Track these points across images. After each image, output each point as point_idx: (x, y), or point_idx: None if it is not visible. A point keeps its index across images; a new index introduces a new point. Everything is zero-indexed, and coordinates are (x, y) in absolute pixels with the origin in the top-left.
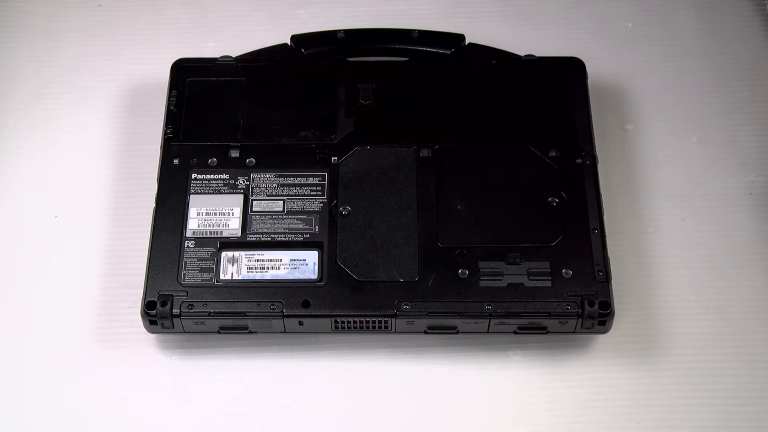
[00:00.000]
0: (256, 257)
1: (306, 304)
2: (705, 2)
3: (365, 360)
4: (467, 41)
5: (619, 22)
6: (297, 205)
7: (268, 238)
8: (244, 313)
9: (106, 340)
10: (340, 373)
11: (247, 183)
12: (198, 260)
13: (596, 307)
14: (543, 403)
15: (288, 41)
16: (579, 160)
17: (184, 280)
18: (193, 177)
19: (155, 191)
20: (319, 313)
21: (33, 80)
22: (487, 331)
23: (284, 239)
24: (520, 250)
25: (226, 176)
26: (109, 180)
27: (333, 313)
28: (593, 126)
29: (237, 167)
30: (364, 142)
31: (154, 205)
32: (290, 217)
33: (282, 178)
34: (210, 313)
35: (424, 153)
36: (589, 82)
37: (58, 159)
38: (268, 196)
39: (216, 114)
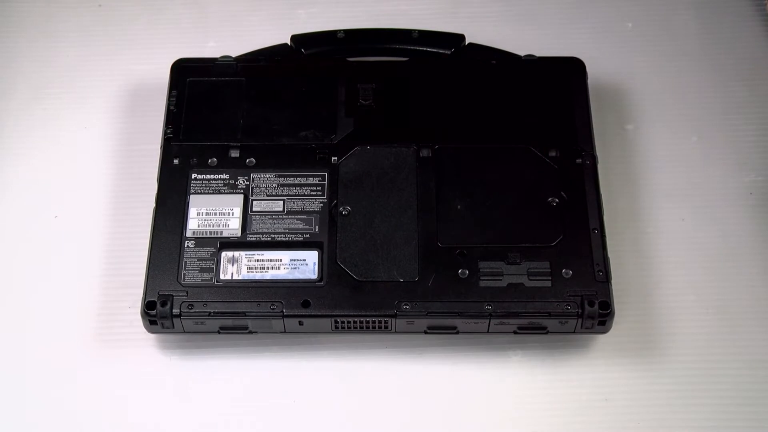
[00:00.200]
0: (256, 257)
1: (306, 304)
2: (704, 2)
3: (365, 360)
4: (467, 41)
5: (619, 22)
6: (297, 205)
7: (268, 238)
8: (244, 313)
9: (106, 340)
10: (340, 373)
11: (247, 183)
12: (198, 260)
13: (596, 307)
14: (543, 403)
15: (288, 41)
16: (579, 160)
17: (184, 280)
18: (193, 177)
19: (155, 191)
20: (319, 313)
21: (33, 80)
22: (487, 331)
23: (284, 239)
24: (520, 250)
25: (226, 176)
26: (109, 180)
27: (333, 313)
28: (593, 126)
29: (237, 167)
30: (364, 142)
31: (154, 205)
32: (290, 217)
33: (282, 178)
34: (210, 313)
35: (424, 153)
36: (589, 82)
37: (58, 159)
38: (268, 196)
39: (216, 114)
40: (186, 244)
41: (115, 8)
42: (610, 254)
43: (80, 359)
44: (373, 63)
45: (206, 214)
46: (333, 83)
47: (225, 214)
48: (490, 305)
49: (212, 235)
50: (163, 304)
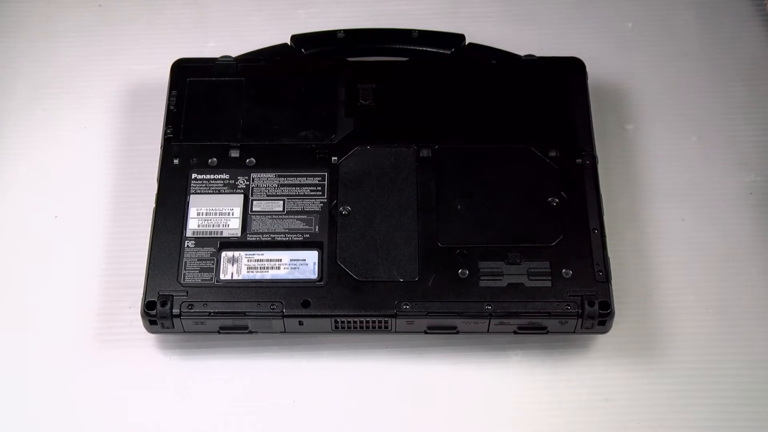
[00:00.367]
0: (256, 257)
1: (306, 304)
2: (704, 2)
3: (365, 360)
4: (467, 41)
5: (619, 22)
6: (297, 205)
7: (268, 238)
8: (244, 313)
9: (106, 340)
10: (340, 373)
11: (247, 183)
12: (198, 260)
13: (596, 307)
14: (543, 403)
15: (288, 41)
16: (579, 160)
17: (184, 280)
18: (193, 177)
19: (155, 191)
20: (319, 313)
21: (33, 80)
22: (487, 331)
23: (284, 239)
24: (520, 250)
25: (226, 176)
26: (109, 180)
27: (333, 313)
28: (593, 126)
29: (237, 167)
30: (364, 142)
31: (154, 205)
32: (290, 217)
33: (282, 178)
34: (210, 313)
35: (424, 153)
36: (589, 82)
37: (58, 159)
38: (268, 196)
39: (216, 114)
40: (186, 244)
41: (115, 8)
42: (610, 254)
43: (80, 359)
44: (373, 63)
45: (206, 214)
46: (333, 83)
47: (225, 214)
48: (490, 305)
49: (212, 235)
50: (163, 304)
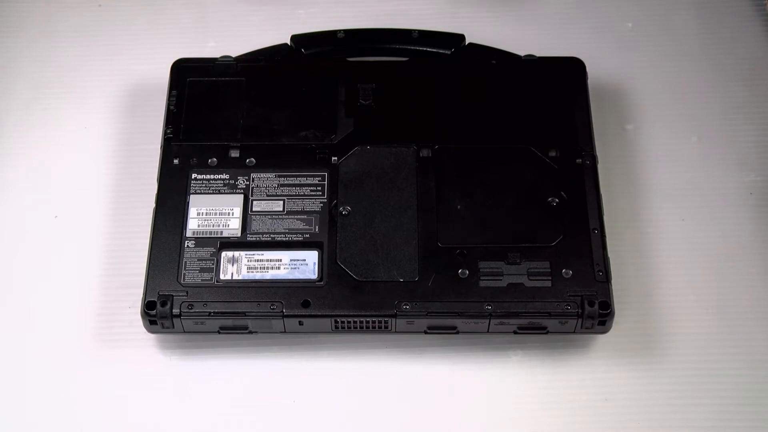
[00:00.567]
0: (256, 257)
1: (306, 304)
2: (704, 2)
3: (365, 360)
4: (467, 41)
5: (619, 22)
6: (297, 205)
7: (268, 238)
8: (244, 313)
9: (106, 340)
10: (340, 373)
11: (247, 183)
12: (198, 260)
13: (596, 307)
14: (543, 403)
15: (288, 41)
16: (579, 160)
17: (184, 280)
18: (193, 177)
19: (155, 191)
20: (319, 313)
21: (33, 80)
22: (487, 331)
23: (284, 239)
24: (520, 250)
25: (226, 176)
26: (109, 180)
27: (333, 313)
28: (593, 126)
29: (237, 167)
30: (364, 142)
31: (154, 205)
32: (290, 217)
33: (282, 178)
34: (210, 313)
35: (424, 153)
36: (589, 82)
37: (58, 159)
38: (268, 196)
39: (216, 114)
40: (186, 244)
41: (115, 8)
42: (610, 254)
43: (80, 359)
44: (373, 63)
45: (206, 214)
46: (333, 83)
47: (225, 214)
48: (490, 305)
49: (212, 235)
50: (163, 304)
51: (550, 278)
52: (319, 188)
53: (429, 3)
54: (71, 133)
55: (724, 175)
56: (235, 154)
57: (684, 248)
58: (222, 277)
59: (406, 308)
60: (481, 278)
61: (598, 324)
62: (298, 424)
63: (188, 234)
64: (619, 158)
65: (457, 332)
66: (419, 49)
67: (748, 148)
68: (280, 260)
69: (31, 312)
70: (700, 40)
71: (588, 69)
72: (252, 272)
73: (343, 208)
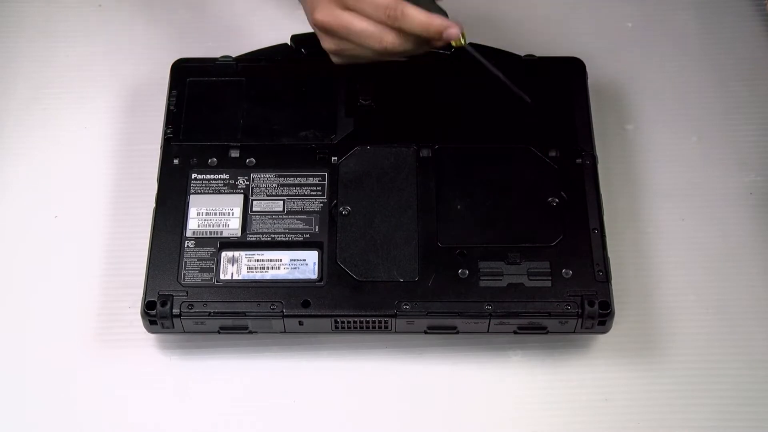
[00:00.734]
0: (256, 257)
1: (306, 304)
2: (704, 2)
3: (365, 360)
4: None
5: (619, 22)
6: (297, 205)
7: (268, 238)
8: (244, 313)
9: (106, 340)
10: (340, 373)
11: (247, 183)
12: (198, 260)
13: (596, 307)
14: (543, 403)
15: (288, 41)
16: (579, 160)
17: (184, 280)
18: (193, 177)
19: (155, 191)
20: (319, 313)
21: (33, 80)
22: (487, 331)
23: (284, 239)
24: (520, 250)
25: (226, 176)
26: (109, 180)
27: (333, 313)
28: (593, 126)
29: (237, 167)
30: (364, 142)
31: (154, 205)
32: (290, 217)
33: (282, 178)
34: (210, 313)
35: (424, 153)
36: (589, 82)
37: (58, 159)
38: (268, 196)
39: (216, 114)
40: (186, 244)
41: (115, 8)
42: (610, 254)
43: (80, 359)
44: (373, 63)
45: (206, 214)
46: (333, 83)
47: (225, 214)
48: (490, 305)
49: (212, 235)
50: (163, 304)
51: (550, 278)
52: (319, 188)
53: None
54: (71, 133)
55: (724, 175)
56: (235, 154)
57: (684, 248)
58: (222, 277)
59: (406, 308)
60: (481, 278)
61: (598, 324)
62: (298, 424)
63: (188, 234)
64: (619, 158)
65: (457, 332)
66: None
67: (748, 148)
68: (280, 260)
69: (31, 312)
70: (700, 40)
71: (588, 69)
72: (252, 272)
73: (343, 208)
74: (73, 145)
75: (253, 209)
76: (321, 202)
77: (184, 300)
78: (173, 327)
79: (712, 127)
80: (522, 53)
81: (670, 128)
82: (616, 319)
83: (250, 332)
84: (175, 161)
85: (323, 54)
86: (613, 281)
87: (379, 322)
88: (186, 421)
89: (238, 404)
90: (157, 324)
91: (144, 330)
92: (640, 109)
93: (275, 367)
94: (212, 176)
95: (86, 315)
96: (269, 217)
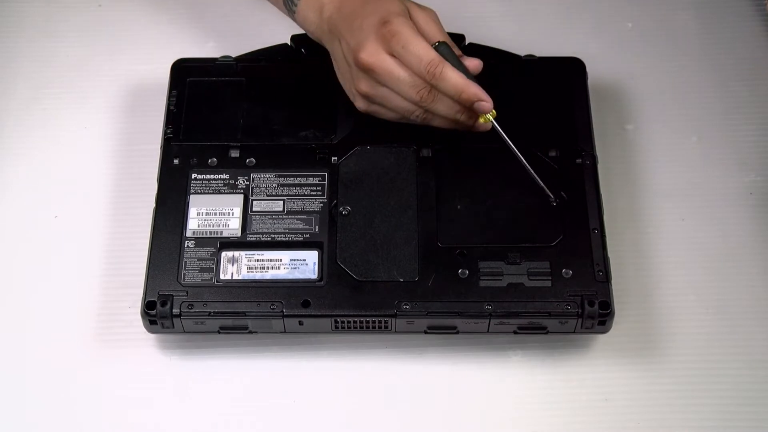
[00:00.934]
0: (256, 257)
1: (306, 304)
2: (704, 2)
3: (365, 360)
4: (467, 41)
5: (619, 22)
6: (297, 205)
7: (268, 238)
8: (244, 313)
9: (106, 340)
10: (340, 373)
11: (247, 183)
12: (198, 260)
13: (596, 306)
14: (543, 403)
15: (288, 41)
16: (579, 160)
17: (184, 280)
18: (193, 177)
19: (155, 191)
20: (319, 313)
21: (33, 80)
22: (487, 331)
23: (284, 239)
24: (520, 250)
25: (226, 176)
26: (109, 180)
27: (333, 313)
28: (593, 126)
29: (237, 167)
30: (364, 142)
31: (154, 205)
32: (290, 217)
33: (282, 178)
34: (210, 312)
35: (424, 153)
36: (589, 82)
37: (58, 159)
38: (268, 196)
39: (216, 114)
40: (186, 244)
41: (115, 8)
42: (610, 254)
43: (80, 359)
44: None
45: (206, 214)
46: (333, 83)
47: (225, 214)
48: (490, 305)
49: (212, 235)
50: (163, 304)
51: (550, 278)
52: (319, 188)
53: (429, 3)
54: (71, 133)
55: (724, 175)
56: (235, 154)
57: (684, 248)
58: (222, 277)
59: (406, 308)
60: (481, 278)
61: (598, 324)
62: (298, 424)
63: (188, 234)
64: (619, 158)
65: (457, 332)
66: None
67: (748, 148)
68: (280, 260)
69: (31, 312)
70: (700, 40)
71: (588, 69)
72: (252, 272)
73: (343, 208)
74: (73, 145)
75: (253, 209)
76: (321, 202)
77: (184, 300)
78: (173, 327)
79: (712, 127)
80: (522, 53)
81: (670, 128)
82: (616, 319)
83: (250, 332)
84: (175, 161)
85: (323, 54)
86: (613, 281)
87: (379, 322)
88: (186, 421)
89: (238, 404)
90: (157, 324)
91: (144, 330)
92: (640, 109)
93: (275, 367)
94: (212, 176)
95: (86, 315)
96: (269, 217)
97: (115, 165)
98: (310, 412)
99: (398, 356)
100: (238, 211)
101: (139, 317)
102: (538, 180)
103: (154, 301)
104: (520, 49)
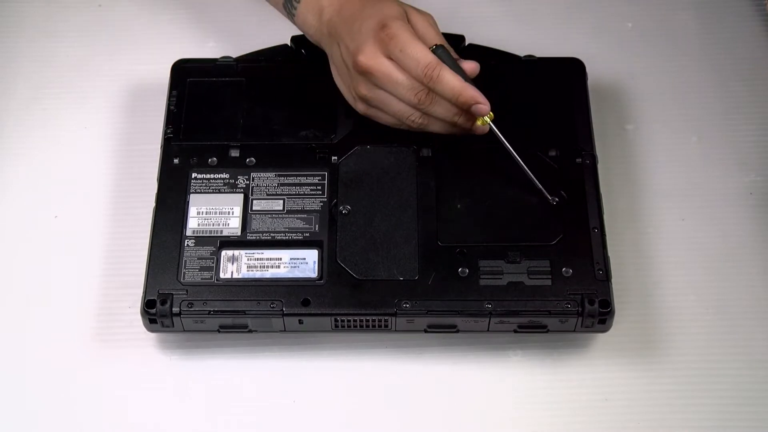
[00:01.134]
0: (256, 256)
1: (306, 303)
2: (704, 2)
3: (365, 360)
4: (467, 42)
5: (619, 22)
6: (297, 205)
7: (268, 237)
8: (244, 312)
9: (106, 340)
10: (340, 373)
11: (247, 182)
12: (198, 259)
13: (596, 305)
14: (543, 403)
15: (288, 41)
16: (579, 160)
17: (184, 279)
18: (193, 176)
19: (155, 191)
20: (319, 312)
21: (33, 80)
22: (487, 330)
23: (284, 238)
24: (520, 249)
25: (226, 175)
26: (109, 180)
27: (333, 312)
28: (593, 126)
29: (237, 167)
30: (364, 142)
31: (154, 204)
32: (290, 216)
33: (282, 178)
34: (210, 311)
35: (424, 153)
36: (589, 82)
37: (58, 159)
38: (268, 195)
39: (216, 114)
40: (186, 243)
41: (115, 8)
42: (610, 254)
43: (80, 359)
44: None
45: (206, 213)
46: (333, 83)
47: (225, 213)
48: (490, 304)
49: (212, 234)
50: (163, 303)
51: (550, 277)
52: (319, 187)
53: (429, 3)
54: (71, 133)
55: (724, 175)
56: (235, 153)
57: (684, 248)
58: (222, 275)
59: (406, 307)
60: (481, 277)
61: (599, 323)
62: (298, 424)
63: (188, 233)
64: (619, 158)
65: (457, 331)
66: None
67: (748, 148)
68: (280, 259)
69: (31, 312)
70: (700, 40)
71: (588, 69)
72: (252, 271)
73: (343, 207)
74: (73, 145)
75: (253, 208)
76: (321, 202)
77: (184, 299)
78: (173, 326)
79: (712, 127)
80: (522, 53)
81: (670, 128)
82: (616, 318)
83: (250, 331)
84: (175, 161)
85: (323, 55)
86: (613, 281)
87: (379, 320)
88: (186, 421)
89: (238, 404)
90: (156, 323)
91: (144, 330)
92: (640, 109)
93: (275, 367)
94: (212, 176)
95: (86, 315)
96: (269, 216)
97: (115, 165)
98: (310, 412)
99: (398, 356)
100: (238, 211)
101: (139, 317)
102: (536, 181)
103: (153, 300)
104: (520, 49)
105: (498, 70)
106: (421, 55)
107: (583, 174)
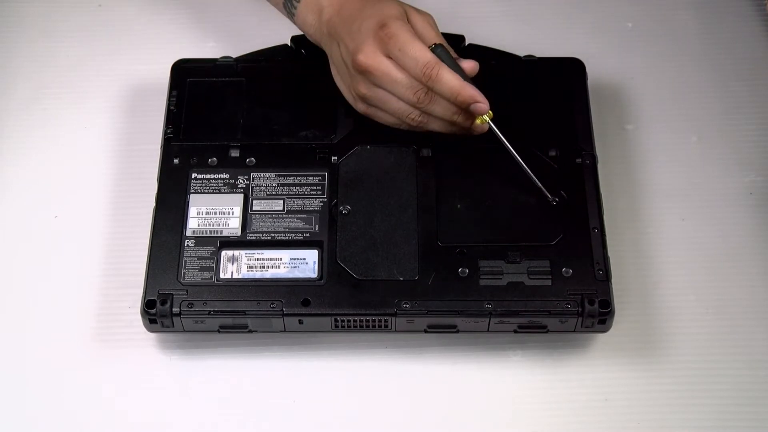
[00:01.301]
0: (256, 256)
1: (306, 303)
2: (705, 2)
3: (365, 360)
4: (467, 42)
5: (619, 22)
6: (297, 205)
7: (268, 237)
8: (244, 312)
9: (106, 340)
10: (340, 373)
11: (247, 182)
12: (198, 259)
13: (596, 305)
14: (543, 403)
15: (288, 41)
16: (579, 160)
17: (184, 279)
18: (193, 176)
19: (155, 191)
20: (319, 312)
21: (33, 80)
22: (487, 330)
23: (284, 238)
24: (520, 249)
25: (226, 176)
26: (109, 180)
27: (333, 312)
28: (593, 126)
29: (237, 167)
30: (364, 142)
31: (154, 205)
32: (290, 216)
33: (282, 178)
34: (210, 311)
35: (424, 152)
36: (589, 82)
37: (58, 159)
38: (268, 195)
39: (216, 114)
40: (186, 243)
41: (115, 8)
42: (610, 254)
43: (80, 359)
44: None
45: (206, 213)
46: (333, 83)
47: (225, 213)
48: (490, 304)
49: (212, 234)
50: (163, 303)
51: (550, 277)
52: (319, 187)
53: (429, 3)
54: (71, 133)
55: (724, 175)
56: (235, 153)
57: (684, 248)
58: (222, 275)
59: (406, 307)
60: (481, 277)
61: (599, 323)
62: (298, 424)
63: (188, 233)
64: (619, 158)
65: (457, 331)
66: None
67: (748, 148)
68: (280, 259)
69: (31, 312)
70: (700, 40)
71: (588, 69)
72: (252, 271)
73: (343, 207)
74: (73, 145)
75: (253, 208)
76: (321, 202)
77: (184, 299)
78: (173, 326)
79: (712, 127)
80: (522, 53)
81: (670, 128)
82: (616, 318)
83: (250, 331)
84: (175, 161)
85: (323, 54)
86: (613, 281)
87: (379, 320)
88: (186, 421)
89: (239, 404)
90: (156, 323)
91: (144, 330)
92: (640, 109)
93: (275, 367)
94: (212, 176)
95: (86, 315)
96: (269, 216)
97: (115, 165)
98: (310, 412)
99: (398, 356)
100: (238, 211)
101: (139, 317)
102: (536, 180)
103: (154, 300)
104: (520, 49)
105: (498, 70)
106: (420, 54)
107: (583, 174)
